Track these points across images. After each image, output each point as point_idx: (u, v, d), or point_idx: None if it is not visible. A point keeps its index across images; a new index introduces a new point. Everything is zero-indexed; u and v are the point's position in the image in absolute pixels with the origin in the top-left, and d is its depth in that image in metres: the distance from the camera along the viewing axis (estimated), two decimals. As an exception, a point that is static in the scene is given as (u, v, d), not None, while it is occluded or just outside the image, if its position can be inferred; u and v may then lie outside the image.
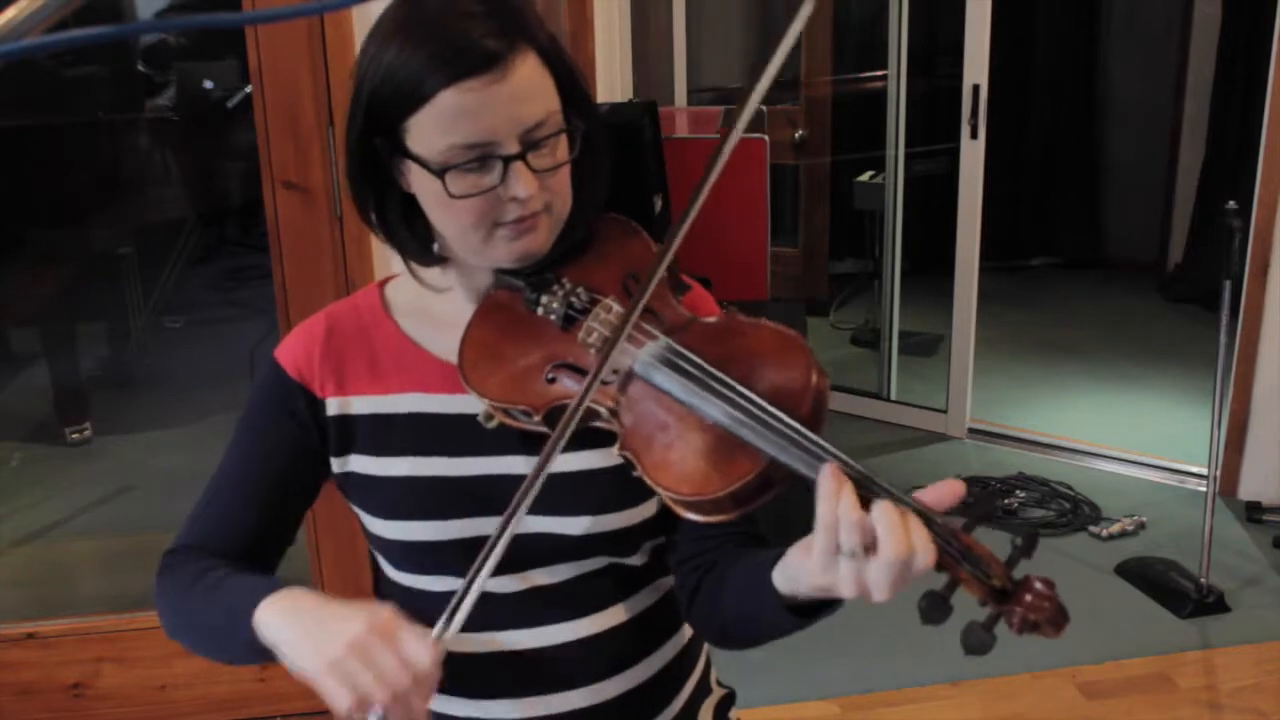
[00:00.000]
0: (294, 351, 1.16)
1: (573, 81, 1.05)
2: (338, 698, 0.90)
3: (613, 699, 1.14)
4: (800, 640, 1.07)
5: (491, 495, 1.09)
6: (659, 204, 3.18)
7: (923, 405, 4.24)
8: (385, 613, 0.94)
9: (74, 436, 3.81)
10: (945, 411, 4.17)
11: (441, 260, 1.12)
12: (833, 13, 5.18)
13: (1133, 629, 2.91)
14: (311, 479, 1.17)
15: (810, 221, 5.29)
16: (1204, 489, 3.03)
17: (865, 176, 4.65)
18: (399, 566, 1.15)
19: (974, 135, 3.87)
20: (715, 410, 0.91)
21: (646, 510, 1.11)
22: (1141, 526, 3.42)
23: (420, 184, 1.04)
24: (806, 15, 0.92)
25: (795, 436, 0.88)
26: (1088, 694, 2.66)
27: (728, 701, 1.30)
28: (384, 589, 1.20)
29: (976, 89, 3.83)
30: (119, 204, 4.35)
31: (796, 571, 0.93)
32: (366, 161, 1.05)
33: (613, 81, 4.17)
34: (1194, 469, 3.72)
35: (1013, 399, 4.44)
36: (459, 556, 1.09)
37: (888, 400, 4.36)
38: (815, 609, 0.97)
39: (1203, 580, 2.99)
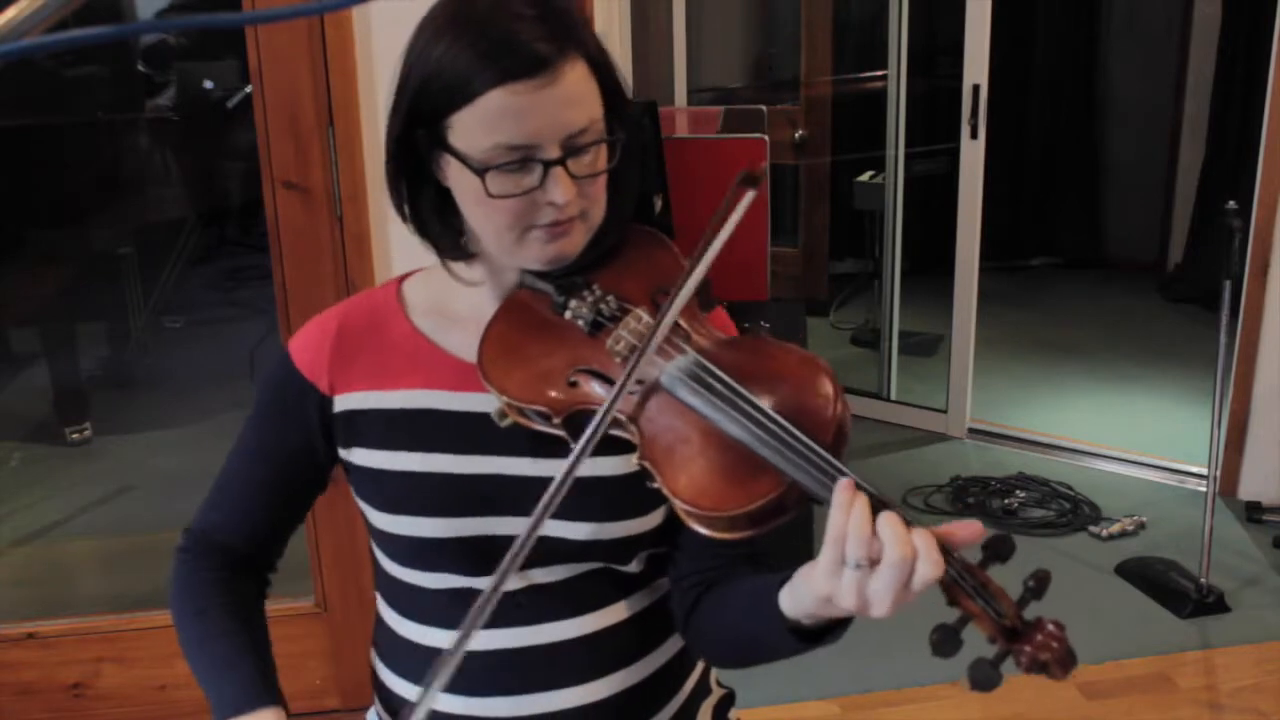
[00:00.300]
0: (306, 347, 1.16)
1: (617, 92, 1.06)
2: None
3: (610, 697, 1.14)
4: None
5: (496, 495, 1.09)
6: (659, 204, 3.18)
7: (923, 405, 4.24)
8: None
9: (74, 436, 3.81)
10: (945, 411, 4.17)
11: (470, 256, 1.12)
12: (833, 13, 5.18)
13: (1133, 629, 2.92)
14: (319, 471, 1.18)
15: (810, 221, 5.29)
16: (1204, 489, 3.03)
17: (865, 176, 4.65)
18: (399, 561, 1.15)
19: (974, 135, 3.87)
20: (740, 428, 0.91)
21: (650, 522, 1.11)
22: (1141, 526, 3.42)
23: (458, 180, 1.04)
24: (747, 204, 0.99)
25: (819, 461, 0.88)
26: (1088, 694, 2.66)
27: (727, 701, 1.30)
28: (382, 584, 1.20)
29: (976, 89, 3.83)
30: (119, 204, 4.35)
31: (803, 588, 0.93)
32: (406, 152, 1.06)
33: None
34: (1194, 469, 3.72)
35: (1013, 399, 4.44)
36: (459, 554, 1.10)
37: (888, 400, 4.36)
38: (818, 634, 0.97)
39: (1203, 580, 2.99)
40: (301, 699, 2.60)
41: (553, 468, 1.07)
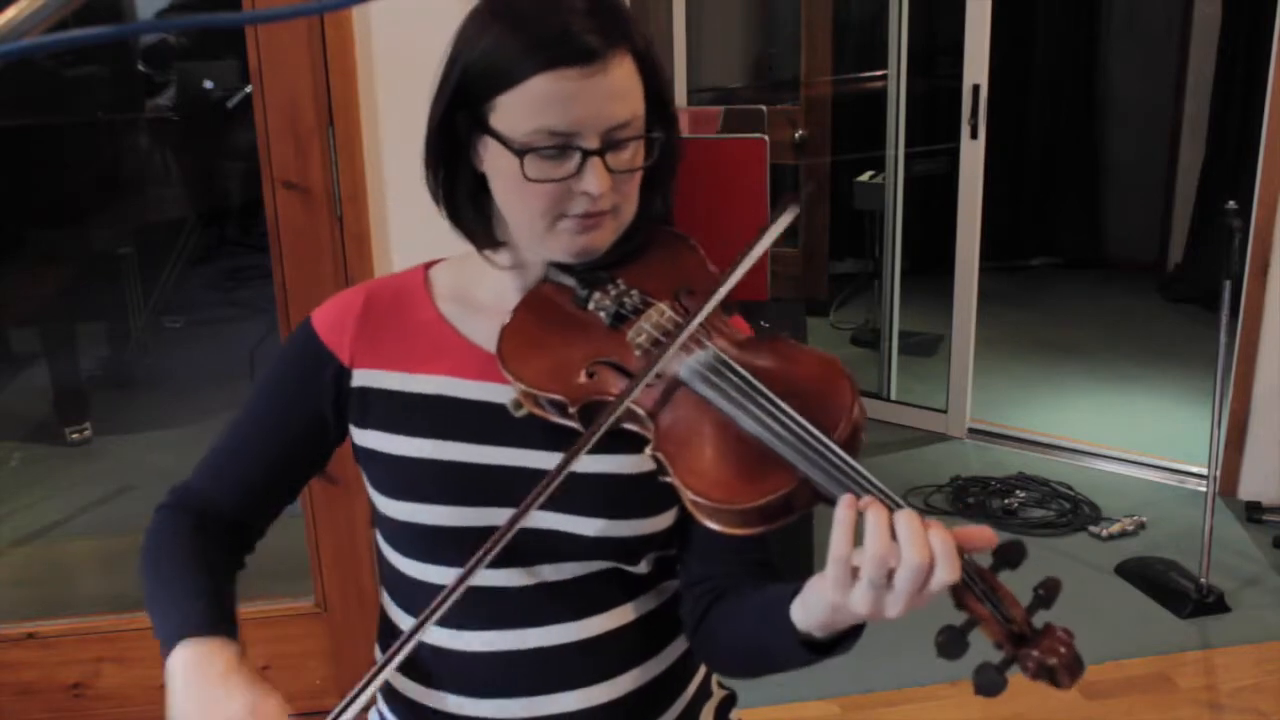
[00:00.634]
0: (330, 317, 1.16)
1: (660, 92, 1.07)
2: None
3: (616, 700, 1.14)
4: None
5: (506, 486, 1.09)
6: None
7: (923, 405, 4.24)
8: (272, 702, 0.98)
9: (74, 436, 3.81)
10: (945, 411, 4.17)
11: (498, 244, 1.12)
12: (833, 13, 5.18)
13: (1133, 629, 2.92)
14: (323, 446, 1.18)
15: (810, 221, 5.29)
16: (1204, 489, 3.03)
17: (865, 176, 4.65)
18: (404, 551, 1.14)
19: (974, 135, 3.87)
20: (756, 424, 0.92)
21: (660, 523, 1.11)
22: (1141, 526, 3.42)
23: (495, 163, 1.05)
24: (789, 219, 1.01)
25: (835, 460, 0.89)
26: (1088, 694, 2.66)
27: (728, 702, 1.30)
28: (388, 580, 1.19)
29: (976, 89, 3.83)
30: (119, 204, 4.35)
31: (814, 597, 0.94)
32: (445, 135, 1.06)
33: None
34: (1194, 469, 3.72)
35: (1013, 399, 4.44)
36: (464, 545, 1.09)
37: (888, 400, 4.36)
38: (829, 646, 0.97)
39: (1203, 580, 2.99)
40: (301, 699, 2.59)
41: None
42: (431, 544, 1.11)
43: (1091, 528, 3.41)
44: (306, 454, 1.18)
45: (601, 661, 1.13)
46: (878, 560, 0.84)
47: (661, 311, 1.04)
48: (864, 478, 0.88)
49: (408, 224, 2.39)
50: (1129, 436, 4.04)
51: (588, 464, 0.98)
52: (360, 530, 2.53)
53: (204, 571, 1.12)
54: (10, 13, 0.54)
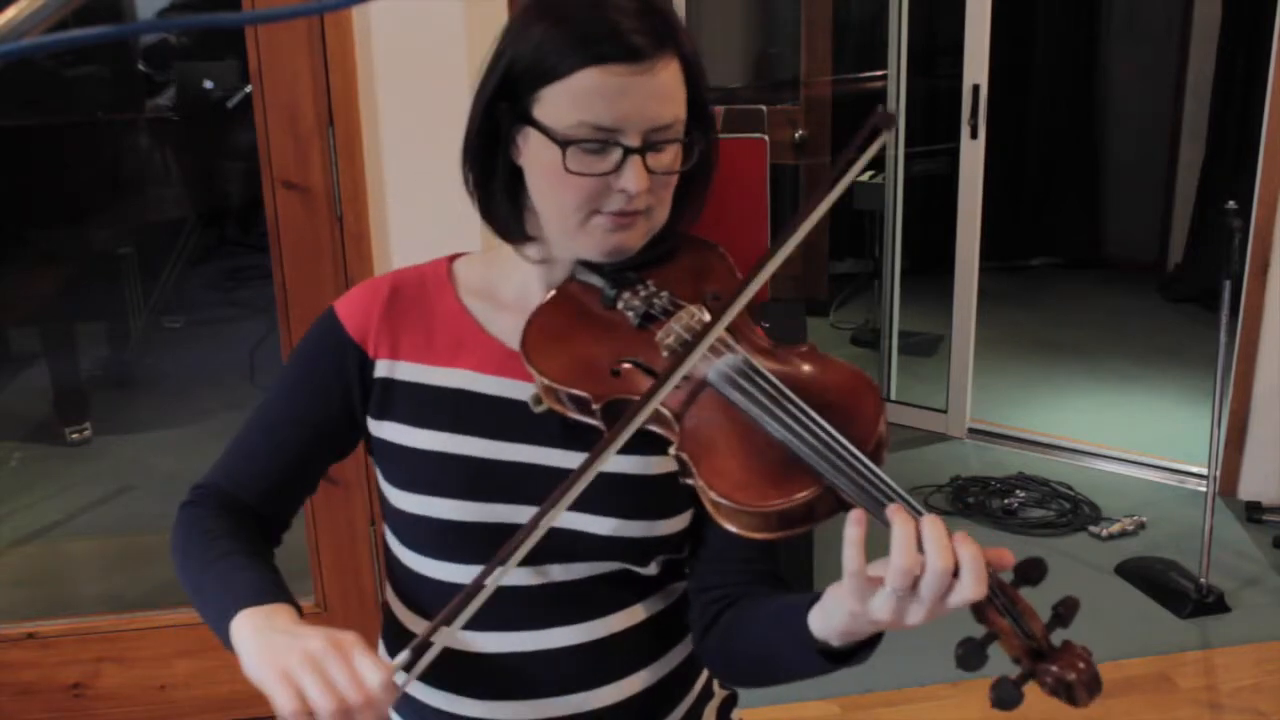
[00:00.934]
0: (354, 307, 1.16)
1: (702, 100, 1.08)
2: (282, 700, 0.90)
3: (621, 702, 1.14)
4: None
5: (521, 484, 1.09)
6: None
7: (923, 405, 4.24)
8: (349, 634, 0.95)
9: (74, 436, 3.81)
10: (945, 411, 4.17)
11: (528, 239, 1.12)
12: (833, 13, 5.18)
13: (1133, 629, 2.91)
14: (347, 436, 1.17)
15: (810, 221, 5.28)
16: (1204, 489, 3.03)
17: (865, 176, 4.64)
18: (413, 547, 1.14)
19: (974, 135, 3.87)
20: (783, 429, 0.92)
21: (672, 526, 1.10)
22: (1141, 526, 3.42)
23: (535, 154, 1.05)
24: (879, 145, 0.96)
25: (861, 467, 0.89)
26: (1088, 694, 2.65)
27: (729, 703, 1.30)
28: (396, 579, 1.19)
29: (976, 89, 3.83)
30: (119, 204, 4.35)
31: (832, 604, 0.93)
32: (486, 128, 1.07)
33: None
34: (1194, 469, 3.72)
35: (1013, 399, 4.44)
36: (475, 542, 1.09)
37: (888, 400, 4.36)
38: (846, 655, 0.97)
39: (1203, 580, 2.99)
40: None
41: (581, 461, 1.07)
42: (442, 540, 1.11)
43: (1091, 528, 3.41)
44: (330, 443, 1.17)
45: (608, 663, 1.13)
46: (903, 571, 0.84)
47: (692, 314, 1.05)
48: (889, 486, 0.88)
49: (408, 224, 2.39)
50: (1129, 436, 4.04)
51: (608, 465, 0.98)
52: (360, 530, 2.53)
53: (244, 548, 1.10)
54: (10, 13, 0.54)
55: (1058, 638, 0.85)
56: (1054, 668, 0.82)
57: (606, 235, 1.05)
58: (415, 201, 2.38)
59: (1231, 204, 2.83)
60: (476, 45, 2.33)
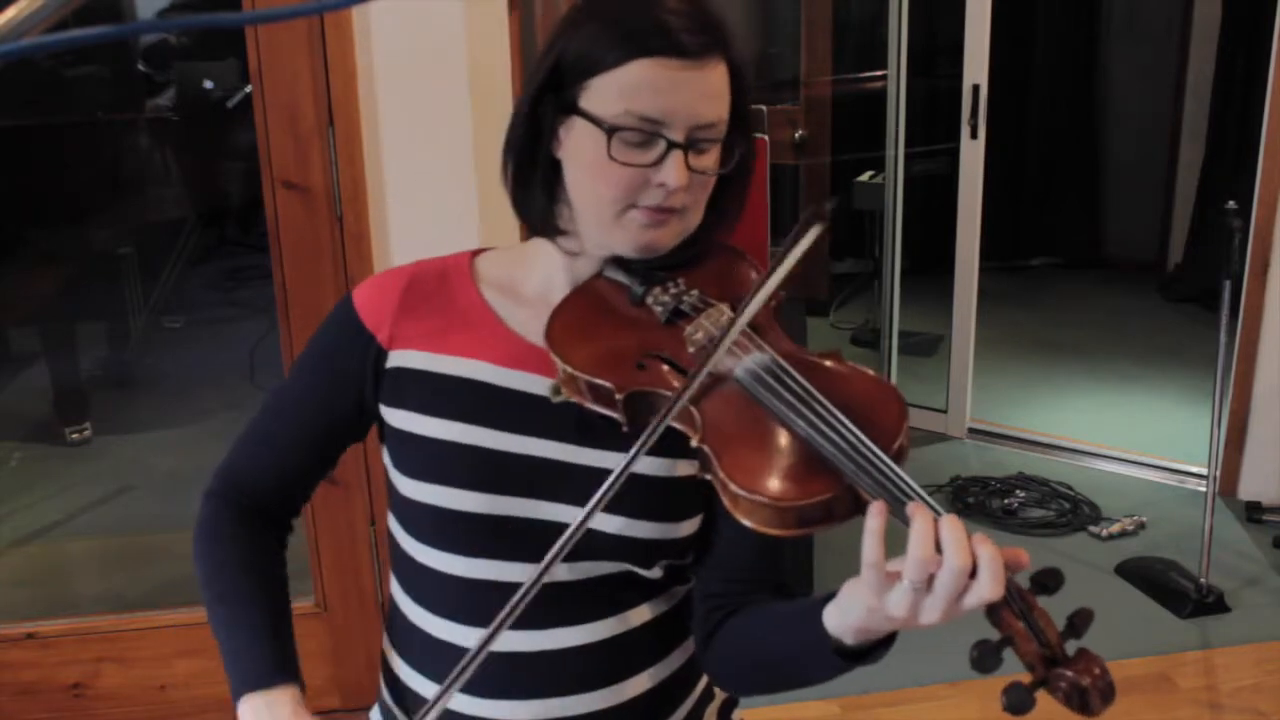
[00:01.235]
0: (371, 296, 1.17)
1: (745, 105, 1.09)
2: None
3: (623, 704, 1.13)
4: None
5: (532, 477, 1.09)
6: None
7: (923, 405, 4.24)
8: None
9: (74, 436, 3.81)
10: (945, 411, 4.17)
11: (560, 232, 1.13)
12: (833, 13, 5.18)
13: (1133, 629, 2.92)
14: (361, 422, 1.18)
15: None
16: (1204, 489, 3.03)
17: (865, 176, 4.65)
18: (418, 537, 1.14)
19: (974, 135, 3.87)
20: (809, 426, 0.92)
21: (680, 529, 1.10)
22: (1141, 526, 3.42)
23: (577, 145, 1.06)
24: (814, 236, 1.02)
25: (885, 468, 0.89)
26: (1088, 694, 2.66)
27: (730, 704, 1.30)
28: (400, 570, 1.19)
29: (976, 89, 3.83)
30: (119, 204, 4.35)
31: (848, 600, 0.93)
32: (531, 120, 1.08)
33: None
34: (1194, 469, 3.73)
35: (1013, 399, 4.44)
36: (482, 534, 1.09)
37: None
38: (861, 654, 0.97)
39: (1203, 580, 2.99)
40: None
41: (596, 457, 1.08)
42: (448, 530, 1.11)
43: (1091, 528, 3.42)
44: (345, 430, 1.19)
45: (610, 665, 1.13)
46: (920, 563, 0.84)
47: (722, 312, 1.05)
48: (910, 486, 0.88)
49: (408, 224, 2.39)
50: (1129, 436, 4.04)
51: (619, 462, 0.98)
52: (360, 530, 2.53)
53: (262, 595, 1.17)
54: (10, 13, 0.54)
55: (1071, 647, 0.85)
56: (1069, 673, 0.82)
57: (641, 230, 1.06)
58: (415, 201, 2.38)
59: (1231, 204, 2.83)
60: (476, 45, 2.34)
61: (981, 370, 4.22)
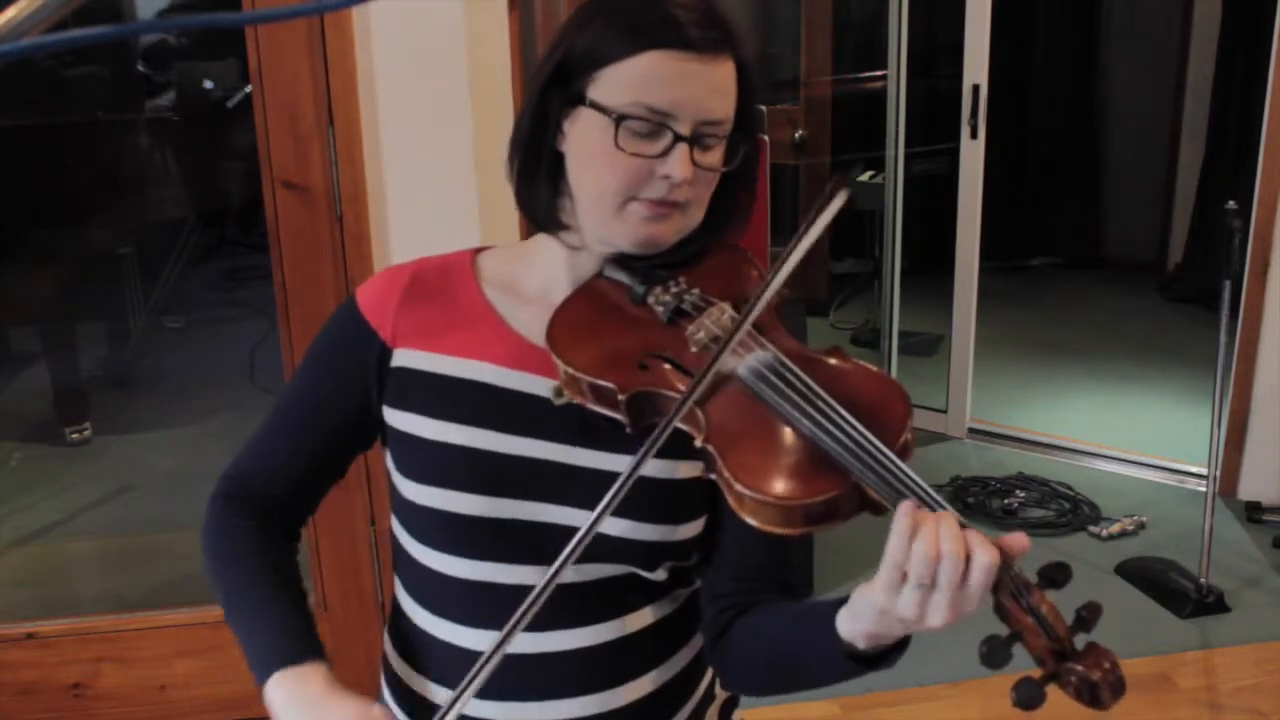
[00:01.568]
0: (375, 295, 1.16)
1: (752, 105, 1.10)
2: None
3: (626, 706, 1.13)
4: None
5: (535, 479, 1.08)
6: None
7: (923, 405, 4.24)
8: (376, 711, 1.01)
9: (74, 436, 3.81)
10: (945, 411, 4.17)
11: (562, 226, 1.12)
12: (833, 13, 5.18)
13: (1133, 629, 2.92)
14: (369, 423, 1.17)
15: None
16: (1204, 489, 3.03)
17: (865, 176, 4.65)
18: (425, 542, 1.13)
19: (974, 135, 3.87)
20: (813, 425, 0.92)
21: (684, 532, 1.10)
22: (1141, 526, 3.42)
23: (583, 135, 1.05)
24: (838, 207, 1.01)
25: (891, 465, 0.89)
26: (1088, 694, 2.65)
27: (731, 704, 1.30)
28: (403, 571, 1.19)
29: (976, 89, 3.83)
30: (119, 204, 4.35)
31: (860, 603, 0.93)
32: (538, 113, 1.08)
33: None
34: (1194, 469, 3.73)
35: (1013, 399, 4.44)
36: (484, 537, 1.09)
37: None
38: (872, 659, 0.97)
39: (1203, 580, 2.99)
40: (301, 699, 2.59)
41: (599, 459, 1.07)
42: (450, 533, 1.11)
43: (1091, 528, 3.42)
44: (354, 432, 1.18)
45: (614, 666, 1.13)
46: (925, 559, 0.85)
47: (723, 310, 1.05)
48: (917, 483, 0.89)
49: (408, 224, 2.39)
50: (1129, 436, 4.04)
51: (621, 464, 0.98)
52: (360, 530, 2.53)
53: (279, 583, 1.15)
54: (10, 13, 0.54)
55: (1081, 641, 0.85)
56: (1079, 667, 0.82)
57: (642, 224, 1.05)
58: (415, 201, 2.38)
59: (1231, 204, 2.83)
60: (476, 45, 2.33)
61: (981, 370, 4.22)
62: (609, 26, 1.03)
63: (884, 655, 0.97)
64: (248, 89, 2.75)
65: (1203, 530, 2.97)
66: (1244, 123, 5.01)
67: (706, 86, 1.03)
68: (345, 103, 2.31)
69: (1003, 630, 0.85)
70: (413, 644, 1.18)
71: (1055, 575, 0.86)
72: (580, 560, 1.08)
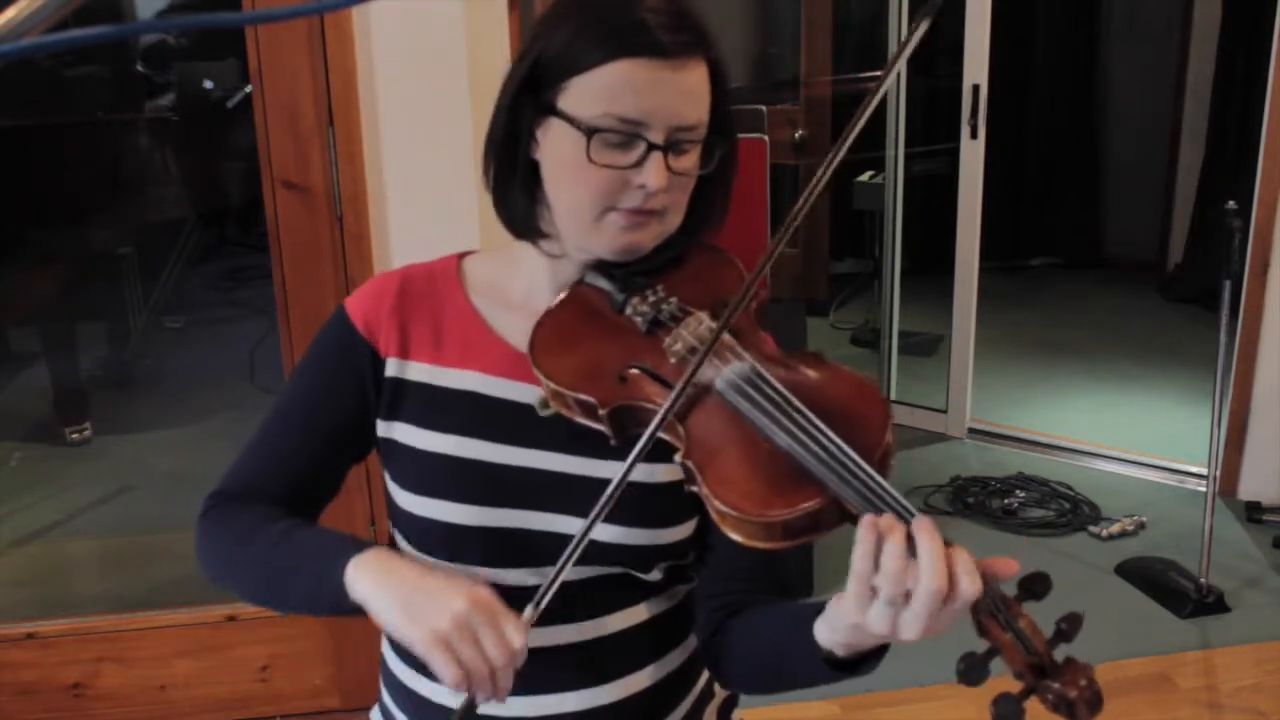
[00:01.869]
0: (364, 304, 1.15)
1: (725, 105, 1.08)
2: (446, 670, 0.93)
3: (620, 701, 1.13)
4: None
5: (528, 489, 1.08)
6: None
7: (923, 405, 4.24)
8: (483, 590, 0.96)
9: (74, 436, 3.81)
10: (945, 411, 4.17)
11: (541, 235, 1.12)
12: (833, 13, 5.18)
13: (1133, 629, 2.91)
14: (363, 435, 1.16)
15: (810, 221, 5.29)
16: (1204, 489, 3.03)
17: (865, 176, 4.65)
18: (422, 550, 1.13)
19: (974, 135, 3.87)
20: (789, 438, 0.92)
21: (676, 534, 1.10)
22: (1141, 526, 3.42)
23: (556, 147, 1.05)
24: (924, 29, 1.02)
25: (867, 479, 0.89)
26: (1088, 694, 2.65)
27: (730, 703, 1.30)
28: None
29: (976, 89, 3.83)
30: (119, 204, 4.35)
31: (835, 614, 0.93)
32: (509, 122, 1.07)
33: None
34: (1194, 469, 3.73)
35: (1013, 399, 4.44)
36: (483, 546, 1.09)
37: (887, 400, 4.35)
38: (852, 664, 0.97)
39: (1203, 580, 2.99)
40: (301, 699, 2.60)
41: (589, 466, 1.08)
42: (449, 542, 1.11)
43: (1091, 528, 3.41)
44: (347, 446, 1.16)
45: (608, 662, 1.13)
46: (894, 578, 0.85)
47: (700, 320, 1.04)
48: (895, 499, 0.88)
49: (408, 224, 2.39)
50: (1129, 436, 4.04)
51: (612, 471, 0.98)
52: (360, 531, 2.53)
53: (305, 522, 1.10)
54: (10, 13, 0.54)
55: (1061, 653, 0.85)
56: (1056, 685, 0.82)
57: (620, 233, 1.05)
58: (415, 201, 2.38)
59: (1231, 204, 2.83)
60: (476, 45, 2.34)
61: (981, 370, 4.22)
62: (578, 31, 1.02)
63: (863, 660, 0.97)
64: (248, 89, 2.75)
65: (1203, 530, 2.97)
66: (1244, 123, 5.01)
67: (678, 92, 1.02)
68: (345, 103, 2.31)
69: (977, 640, 0.85)
70: None
71: (1035, 587, 0.86)
72: (579, 562, 1.09)
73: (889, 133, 4.34)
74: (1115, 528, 3.38)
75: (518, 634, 0.94)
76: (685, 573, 1.17)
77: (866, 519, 0.87)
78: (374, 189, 2.37)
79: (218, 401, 4.05)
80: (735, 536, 0.92)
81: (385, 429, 1.14)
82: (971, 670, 0.83)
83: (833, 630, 0.95)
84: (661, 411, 0.95)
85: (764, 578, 1.12)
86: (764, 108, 4.30)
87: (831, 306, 5.37)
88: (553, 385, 1.03)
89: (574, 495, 1.07)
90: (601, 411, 1.01)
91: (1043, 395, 4.53)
